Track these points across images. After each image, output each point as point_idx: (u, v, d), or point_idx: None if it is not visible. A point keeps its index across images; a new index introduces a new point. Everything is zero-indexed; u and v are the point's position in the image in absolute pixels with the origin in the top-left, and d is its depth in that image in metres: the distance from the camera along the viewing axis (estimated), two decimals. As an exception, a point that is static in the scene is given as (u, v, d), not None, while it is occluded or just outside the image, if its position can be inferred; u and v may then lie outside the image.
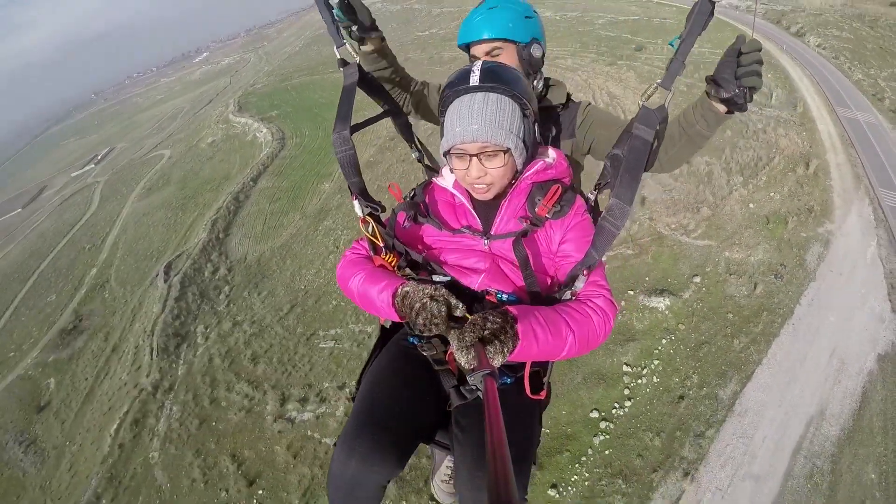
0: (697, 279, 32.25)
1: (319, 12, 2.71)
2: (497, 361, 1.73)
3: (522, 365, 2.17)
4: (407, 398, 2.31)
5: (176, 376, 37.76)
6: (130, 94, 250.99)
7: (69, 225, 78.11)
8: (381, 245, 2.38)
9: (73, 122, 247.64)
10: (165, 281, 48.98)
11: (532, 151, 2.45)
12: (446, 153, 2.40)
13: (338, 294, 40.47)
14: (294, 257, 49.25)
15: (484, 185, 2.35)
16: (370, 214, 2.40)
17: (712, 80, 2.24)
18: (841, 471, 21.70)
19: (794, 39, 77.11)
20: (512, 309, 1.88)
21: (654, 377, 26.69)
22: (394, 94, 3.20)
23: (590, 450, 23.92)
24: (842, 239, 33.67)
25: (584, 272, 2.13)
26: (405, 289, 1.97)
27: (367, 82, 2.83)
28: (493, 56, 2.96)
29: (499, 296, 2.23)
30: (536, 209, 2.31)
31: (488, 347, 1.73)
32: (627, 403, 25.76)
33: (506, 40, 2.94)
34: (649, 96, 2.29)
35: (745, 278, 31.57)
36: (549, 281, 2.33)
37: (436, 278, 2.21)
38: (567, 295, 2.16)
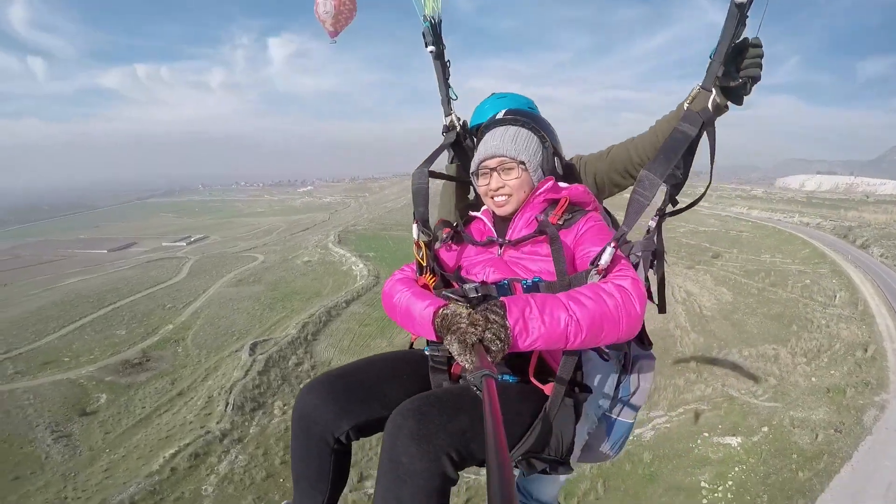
0: (765, 429, 36.08)
1: (439, 86, 3.35)
2: (497, 359, 1.78)
3: (528, 363, 2.30)
4: (380, 372, 2.47)
5: (247, 432, 40.35)
6: (234, 197, 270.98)
7: (155, 282, 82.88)
8: (426, 265, 2.53)
9: (175, 200, 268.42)
10: (251, 355, 52.35)
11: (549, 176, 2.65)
12: (474, 174, 2.72)
13: None
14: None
15: (503, 197, 2.58)
16: (425, 241, 2.57)
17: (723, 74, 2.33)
18: None
19: (858, 251, 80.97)
20: (507, 300, 1.90)
21: (729, 494, 30.31)
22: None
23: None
24: None
25: (612, 244, 2.11)
26: (446, 311, 1.95)
27: (458, 147, 3.34)
28: None
29: (524, 283, 2.29)
30: (549, 218, 2.43)
31: (489, 346, 1.77)
32: None
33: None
34: (692, 99, 2.44)
35: (807, 430, 34.71)
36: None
37: (466, 286, 2.18)
38: (594, 277, 2.13)
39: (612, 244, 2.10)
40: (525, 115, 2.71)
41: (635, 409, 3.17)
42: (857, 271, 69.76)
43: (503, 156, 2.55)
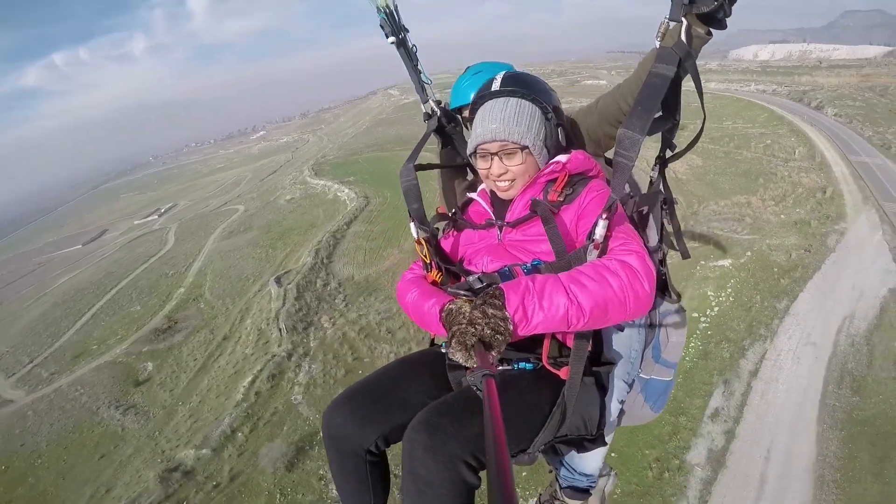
0: (749, 253, 44.47)
1: (410, 75, 3.19)
2: (499, 353, 1.77)
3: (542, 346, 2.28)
4: (397, 378, 2.47)
5: (308, 347, 42.91)
6: (189, 160, 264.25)
7: (146, 256, 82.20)
8: (431, 263, 2.46)
9: (131, 178, 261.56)
10: (280, 286, 53.87)
11: (554, 153, 2.52)
12: (472, 154, 2.56)
13: None
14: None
15: (506, 182, 2.45)
16: (425, 238, 2.51)
17: (691, 0, 2.11)
18: (873, 343, 31.57)
19: (814, 112, 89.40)
20: (506, 286, 1.86)
21: (731, 298, 38.40)
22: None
23: (698, 330, 34.61)
24: (854, 231, 45.55)
25: (604, 216, 2.01)
26: (450, 306, 1.93)
27: (442, 133, 3.25)
28: None
29: (524, 267, 2.23)
30: (549, 196, 2.34)
31: (489, 343, 1.75)
32: (716, 309, 37.21)
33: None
34: (663, 35, 2.21)
35: (783, 252, 43.66)
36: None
37: (470, 279, 2.16)
38: (592, 252, 2.06)
39: (604, 215, 2.01)
40: (523, 84, 2.48)
41: (670, 365, 3.11)
42: (814, 129, 77.53)
43: (505, 140, 2.38)
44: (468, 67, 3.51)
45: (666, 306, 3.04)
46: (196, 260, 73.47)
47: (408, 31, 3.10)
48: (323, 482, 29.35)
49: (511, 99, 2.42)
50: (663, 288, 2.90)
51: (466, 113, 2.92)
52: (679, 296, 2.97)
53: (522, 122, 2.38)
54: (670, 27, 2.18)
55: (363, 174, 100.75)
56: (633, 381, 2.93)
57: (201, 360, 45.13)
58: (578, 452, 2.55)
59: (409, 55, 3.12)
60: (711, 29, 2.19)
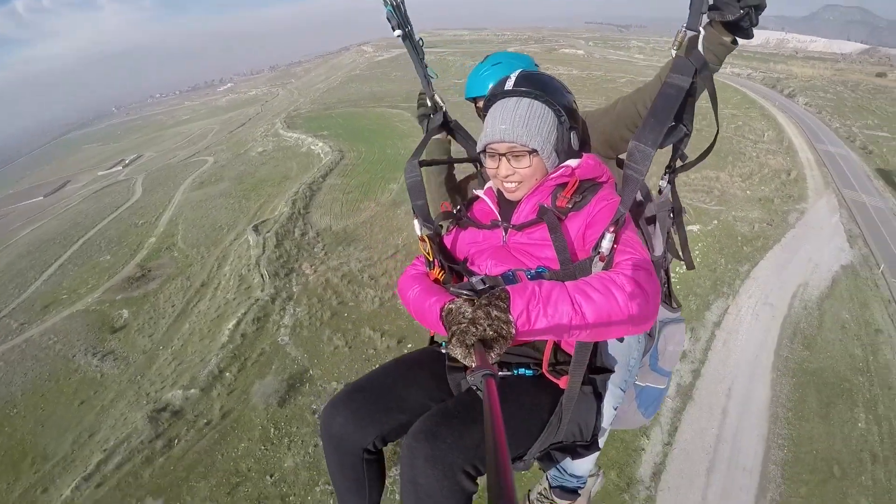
0: (715, 222, 47.78)
1: (416, 69, 3.10)
2: (499, 355, 1.74)
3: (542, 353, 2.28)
4: (396, 378, 2.46)
5: (292, 291, 43.67)
6: (153, 111, 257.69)
7: (113, 207, 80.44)
8: (434, 261, 2.45)
9: (93, 129, 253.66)
10: (258, 234, 54.04)
11: (565, 158, 2.47)
12: (481, 152, 2.49)
13: None
14: (381, 227, 55.06)
15: (513, 184, 2.40)
16: (428, 235, 2.50)
17: (714, 8, 2.06)
18: (823, 310, 35.78)
19: (786, 100, 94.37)
20: (512, 290, 1.84)
21: (698, 259, 41.11)
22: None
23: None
24: (813, 212, 49.74)
25: (611, 229, 2.00)
26: (450, 305, 1.87)
27: (449, 127, 3.17)
28: None
29: (528, 273, 2.21)
30: (557, 202, 2.30)
31: (490, 344, 1.72)
32: (684, 267, 38.27)
33: None
34: (680, 44, 2.17)
35: (746, 223, 47.09)
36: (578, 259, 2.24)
37: (473, 280, 2.14)
38: (598, 265, 2.03)
39: (611, 228, 1.98)
40: (538, 84, 2.38)
41: (665, 373, 3.12)
42: (784, 116, 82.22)
43: (513, 142, 2.31)
44: (487, 57, 3.45)
45: (665, 314, 3.08)
46: (166, 210, 72.34)
47: (412, 26, 3.00)
48: (316, 415, 29.85)
49: (524, 100, 2.37)
50: (666, 296, 2.99)
51: (482, 103, 2.79)
52: (679, 305, 3.07)
53: (533, 124, 2.32)
54: (688, 36, 2.13)
55: (337, 129, 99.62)
56: (630, 386, 2.94)
57: (180, 306, 44.98)
58: (573, 459, 2.52)
59: (415, 49, 3.02)
60: (737, 38, 2.16)
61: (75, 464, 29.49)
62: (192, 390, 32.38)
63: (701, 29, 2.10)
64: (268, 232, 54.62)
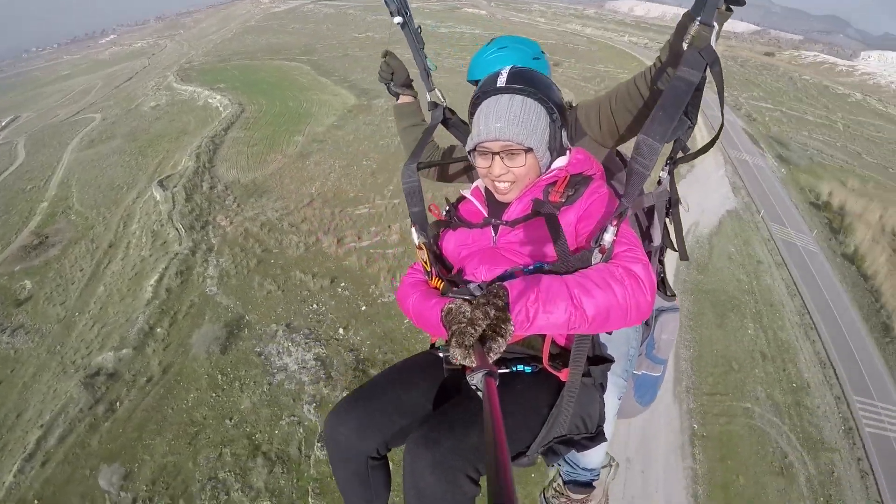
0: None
1: (415, 59, 3.06)
2: (498, 354, 1.71)
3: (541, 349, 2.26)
4: (395, 384, 2.46)
5: (211, 244, 43.58)
6: (29, 67, 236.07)
7: None
8: (431, 270, 2.45)
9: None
10: (165, 190, 52.71)
11: (557, 156, 2.46)
12: (471, 151, 2.43)
13: (356, 189, 52.18)
14: (292, 179, 55.43)
15: (506, 184, 2.37)
16: (425, 243, 2.49)
17: None
18: (713, 244, 41.69)
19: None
20: (510, 286, 1.84)
21: None
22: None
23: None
24: (702, 167, 54.51)
25: (614, 222, 2.00)
26: (450, 306, 1.83)
27: (448, 122, 3.12)
28: None
29: (525, 269, 2.18)
30: (550, 197, 2.28)
31: (490, 344, 1.70)
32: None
33: None
34: (692, 38, 2.08)
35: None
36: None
37: (471, 286, 2.15)
38: (597, 256, 2.03)
39: (613, 222, 2.01)
40: (531, 82, 2.34)
41: (660, 361, 3.22)
42: None
43: (508, 140, 2.27)
44: (493, 39, 3.29)
45: (661, 303, 3.16)
46: (55, 172, 67.88)
47: (410, 13, 2.96)
48: (262, 357, 30.69)
49: (517, 97, 2.30)
50: (660, 284, 3.07)
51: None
52: (674, 294, 3.11)
53: (528, 122, 2.28)
54: (700, 30, 2.05)
55: (234, 82, 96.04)
56: (629, 377, 3.00)
57: (89, 270, 43.39)
58: (578, 451, 2.46)
59: (414, 37, 2.96)
60: (731, 5, 2.10)
61: (9, 447, 28.32)
62: (124, 350, 31.82)
63: (714, 24, 2.02)
64: (175, 187, 53.33)
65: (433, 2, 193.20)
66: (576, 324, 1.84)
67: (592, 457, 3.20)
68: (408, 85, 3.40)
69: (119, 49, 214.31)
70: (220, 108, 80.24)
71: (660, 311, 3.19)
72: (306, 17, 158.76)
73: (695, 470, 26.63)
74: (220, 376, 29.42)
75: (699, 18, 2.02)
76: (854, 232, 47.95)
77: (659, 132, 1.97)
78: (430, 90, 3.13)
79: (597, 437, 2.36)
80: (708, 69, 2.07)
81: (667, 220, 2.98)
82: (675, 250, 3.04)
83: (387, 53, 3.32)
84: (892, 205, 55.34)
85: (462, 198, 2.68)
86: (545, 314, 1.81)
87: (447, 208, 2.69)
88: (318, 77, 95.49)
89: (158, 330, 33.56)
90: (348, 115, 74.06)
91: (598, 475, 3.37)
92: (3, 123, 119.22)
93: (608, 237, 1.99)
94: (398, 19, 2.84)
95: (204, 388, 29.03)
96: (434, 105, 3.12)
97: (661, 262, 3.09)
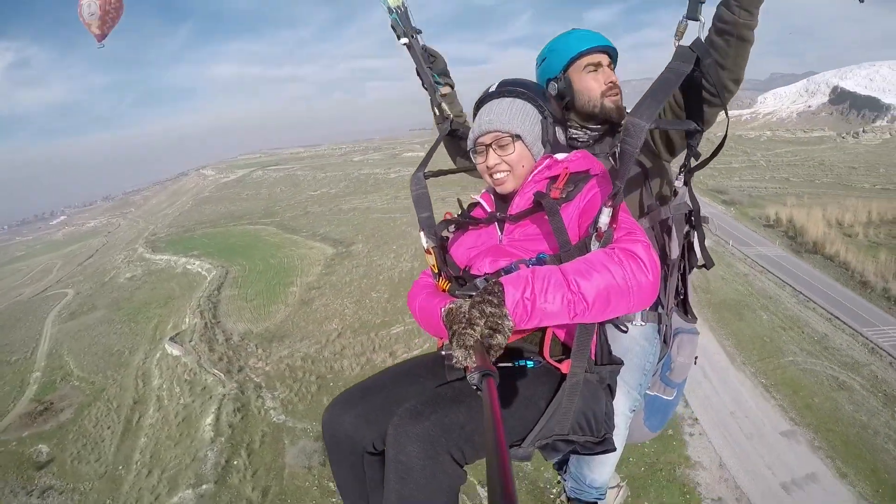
0: None
1: (421, 77, 3.17)
2: (499, 351, 1.70)
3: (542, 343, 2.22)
4: (397, 379, 2.46)
5: (256, 382, 45.10)
6: None
7: None
8: (439, 272, 2.52)
9: None
10: (181, 344, 53.72)
11: (552, 149, 2.56)
12: (471, 151, 2.60)
13: (379, 317, 53.99)
14: (307, 321, 57.29)
15: (502, 174, 2.46)
16: (433, 247, 2.56)
17: None
18: (703, 273, 46.03)
19: None
20: (505, 280, 1.85)
21: None
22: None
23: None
24: None
25: (609, 203, 2.02)
26: (450, 306, 1.83)
27: (455, 134, 3.26)
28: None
29: (528, 262, 2.20)
30: (551, 194, 2.30)
31: (489, 342, 1.68)
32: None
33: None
34: (682, 34, 2.27)
35: None
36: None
37: (477, 282, 2.20)
38: (595, 243, 2.05)
39: (609, 203, 2.03)
40: (520, 85, 2.56)
41: (674, 385, 3.22)
42: None
43: (497, 130, 2.44)
44: (573, 29, 3.11)
45: (680, 323, 3.17)
46: (40, 344, 67.50)
47: (420, 32, 3.14)
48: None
49: (505, 98, 2.52)
50: (681, 305, 3.13)
51: (589, 59, 2.91)
52: (695, 317, 3.18)
53: (514, 114, 2.46)
54: (688, 26, 2.30)
55: (206, 248, 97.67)
56: (644, 391, 2.97)
57: (119, 427, 43.42)
58: (581, 454, 2.42)
59: (419, 57, 3.14)
60: None
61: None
62: (204, 486, 32.24)
63: (701, 18, 2.25)
64: (191, 341, 54.21)
65: (372, 152, 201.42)
66: (577, 310, 1.84)
67: (599, 472, 3.19)
68: (446, 73, 3.35)
69: (72, 229, 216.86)
70: (203, 273, 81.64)
71: (678, 332, 3.16)
72: (258, 184, 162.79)
73: (781, 405, 32.90)
74: (330, 484, 29.70)
75: (685, 15, 2.31)
76: (807, 231, 59.34)
77: (646, 114, 2.03)
78: (437, 104, 3.23)
79: (602, 442, 2.28)
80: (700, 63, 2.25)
81: (691, 232, 2.97)
82: (699, 266, 3.07)
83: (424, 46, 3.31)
84: (829, 204, 67.87)
85: (474, 203, 2.77)
86: (543, 303, 1.81)
87: (460, 212, 2.79)
88: (287, 235, 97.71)
89: (236, 462, 34.04)
90: (332, 263, 76.33)
91: (604, 495, 3.33)
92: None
93: (604, 219, 2.04)
94: (404, 40, 3.06)
95: (318, 497, 29.77)
96: (440, 119, 3.24)
97: (683, 279, 3.08)
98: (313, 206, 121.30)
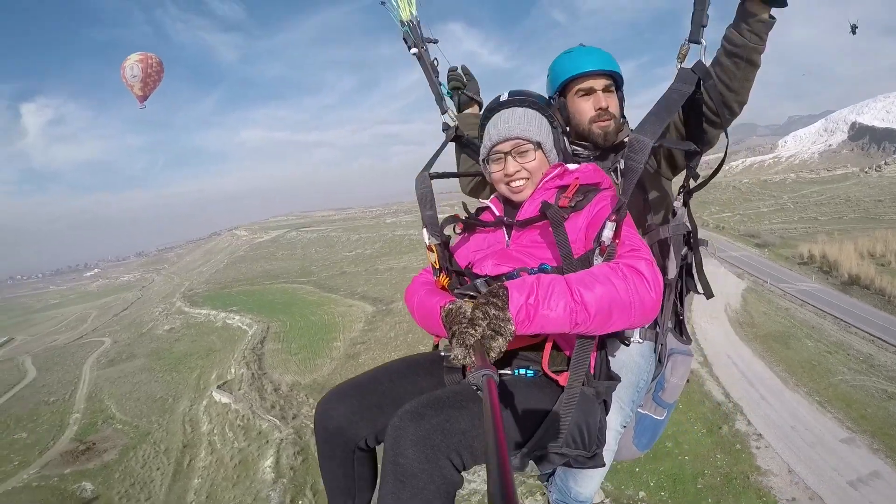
0: None
1: (430, 86, 3.29)
2: (499, 354, 1.73)
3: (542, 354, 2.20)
4: (394, 376, 2.44)
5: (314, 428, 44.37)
6: (15, 294, 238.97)
7: (6, 385, 73.85)
8: (439, 267, 2.48)
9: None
10: (231, 393, 53.88)
11: (563, 158, 2.59)
12: (485, 160, 2.59)
13: None
14: (356, 373, 56.26)
15: (521, 181, 2.46)
16: (436, 245, 2.52)
17: None
18: (748, 310, 51.76)
19: None
20: (510, 285, 1.84)
21: None
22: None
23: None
24: (706, 271, 66.49)
25: (612, 217, 2.02)
26: (450, 306, 1.86)
27: (460, 141, 3.26)
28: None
29: (530, 271, 2.17)
30: (560, 202, 2.30)
31: (490, 343, 1.71)
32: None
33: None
34: (684, 56, 2.35)
35: None
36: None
37: (477, 282, 2.16)
38: (598, 258, 2.06)
39: (612, 217, 2.03)
40: (529, 95, 2.59)
41: (665, 405, 3.20)
42: None
43: (518, 137, 2.44)
44: (577, 46, 3.13)
45: (675, 344, 3.18)
46: (78, 387, 68.19)
47: (436, 42, 3.31)
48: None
49: (518, 108, 2.53)
50: (677, 326, 3.19)
51: (581, 84, 2.93)
52: (690, 339, 3.23)
53: (532, 122, 2.48)
54: (690, 49, 2.40)
55: (245, 304, 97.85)
56: (636, 408, 3.03)
57: (170, 468, 43.51)
58: (572, 467, 2.39)
59: (429, 67, 3.27)
60: (773, 10, 2.39)
61: None
62: None
63: (703, 41, 2.35)
64: (239, 390, 54.44)
65: (403, 215, 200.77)
66: (578, 320, 1.83)
67: (585, 486, 3.14)
68: (477, 94, 3.50)
69: (106, 282, 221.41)
70: (243, 327, 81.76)
71: (673, 352, 3.15)
72: (292, 245, 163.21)
73: (837, 417, 33.46)
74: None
75: (687, 39, 2.42)
76: (840, 265, 60.97)
77: (650, 131, 2.07)
78: (444, 112, 3.32)
79: (593, 458, 2.29)
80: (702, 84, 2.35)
81: (688, 253, 3.00)
82: (699, 292, 3.09)
83: (463, 67, 3.55)
84: (859, 238, 69.57)
85: (483, 208, 2.77)
86: (546, 310, 1.80)
87: (468, 215, 2.77)
88: (325, 294, 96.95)
89: (301, 501, 33.90)
90: (374, 320, 75.10)
91: None
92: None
93: (607, 233, 2.04)
94: (414, 51, 3.22)
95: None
96: (446, 126, 3.27)
97: (679, 301, 3.11)
98: (349, 266, 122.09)
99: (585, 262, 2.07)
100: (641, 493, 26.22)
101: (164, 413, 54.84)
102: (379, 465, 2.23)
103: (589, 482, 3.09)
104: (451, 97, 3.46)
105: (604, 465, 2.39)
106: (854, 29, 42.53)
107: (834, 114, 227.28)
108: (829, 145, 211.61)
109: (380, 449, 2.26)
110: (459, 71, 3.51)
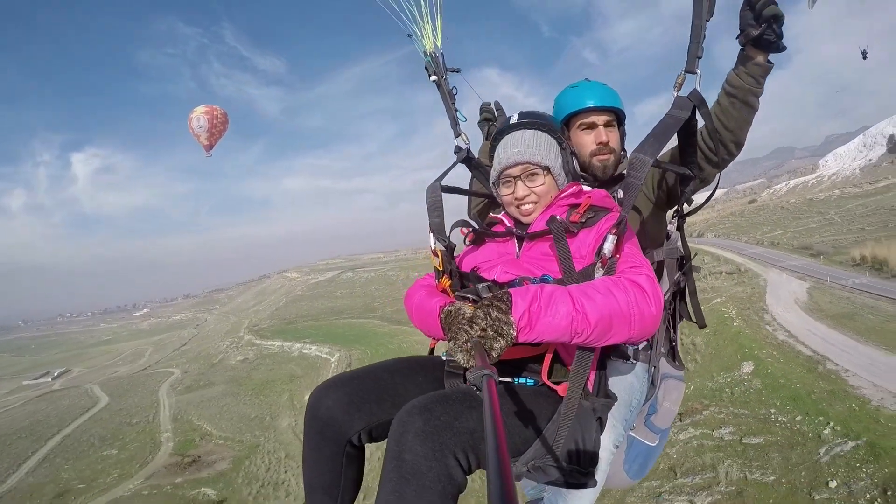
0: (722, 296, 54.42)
1: (446, 111, 3.40)
2: (498, 356, 1.73)
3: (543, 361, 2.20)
4: (394, 373, 2.38)
5: None
6: (67, 330, 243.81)
7: (81, 409, 73.67)
8: (442, 271, 2.48)
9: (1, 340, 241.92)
10: None
11: (572, 179, 2.61)
12: (495, 183, 2.63)
13: None
14: None
15: (530, 205, 2.48)
16: (441, 250, 2.53)
17: (740, 33, 2.43)
18: (817, 302, 46.92)
19: (699, 238, 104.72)
20: (514, 291, 1.83)
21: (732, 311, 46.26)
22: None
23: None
24: (769, 278, 59.83)
25: (613, 231, 2.06)
26: (449, 308, 1.86)
27: (470, 163, 3.26)
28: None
29: (533, 280, 2.19)
30: (570, 218, 2.32)
31: (490, 344, 1.71)
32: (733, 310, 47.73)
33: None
34: (680, 85, 2.40)
35: (741, 291, 53.73)
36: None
37: (480, 286, 2.14)
38: (599, 270, 2.09)
39: (613, 231, 2.07)
40: (541, 117, 2.61)
41: (657, 430, 3.13)
42: (710, 247, 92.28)
43: (527, 162, 2.46)
44: (581, 81, 3.21)
45: (667, 371, 3.16)
46: (159, 410, 67.80)
47: (458, 71, 3.43)
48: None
49: (528, 130, 2.52)
50: (672, 352, 3.12)
51: (583, 119, 2.98)
52: (682, 365, 3.18)
53: (541, 146, 2.47)
54: (686, 78, 2.41)
55: (317, 336, 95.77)
56: (628, 428, 2.93)
57: (300, 469, 41.19)
58: (566, 486, 2.29)
59: (446, 94, 3.37)
60: (770, 55, 2.51)
61: None
62: None
63: (698, 71, 2.37)
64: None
65: (390, 262, 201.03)
66: (578, 329, 1.82)
67: (579, 501, 2.94)
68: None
69: (157, 321, 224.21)
70: (324, 356, 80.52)
71: (665, 377, 3.14)
72: (351, 284, 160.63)
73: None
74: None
75: (683, 69, 2.42)
76: (889, 262, 60.51)
77: (650, 151, 2.18)
78: (457, 136, 3.35)
79: (587, 474, 2.20)
80: (697, 111, 2.41)
81: (680, 279, 3.01)
82: (692, 320, 3.09)
83: (496, 102, 3.76)
84: None
85: (495, 221, 2.74)
86: (547, 317, 1.79)
87: (475, 227, 2.74)
88: (395, 326, 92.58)
89: None
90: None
91: None
92: (56, 374, 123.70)
93: (608, 246, 2.06)
94: (433, 78, 3.36)
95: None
96: (458, 148, 3.29)
97: (674, 327, 3.07)
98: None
99: (587, 275, 2.10)
100: (772, 410, 27.50)
101: (265, 429, 53.98)
102: (366, 467, 2.40)
103: (578, 500, 2.83)
104: (482, 128, 3.70)
105: (596, 484, 2.28)
106: (864, 54, 41.52)
107: (871, 128, 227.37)
108: (870, 160, 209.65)
109: (369, 449, 2.36)
110: (492, 106, 3.69)
